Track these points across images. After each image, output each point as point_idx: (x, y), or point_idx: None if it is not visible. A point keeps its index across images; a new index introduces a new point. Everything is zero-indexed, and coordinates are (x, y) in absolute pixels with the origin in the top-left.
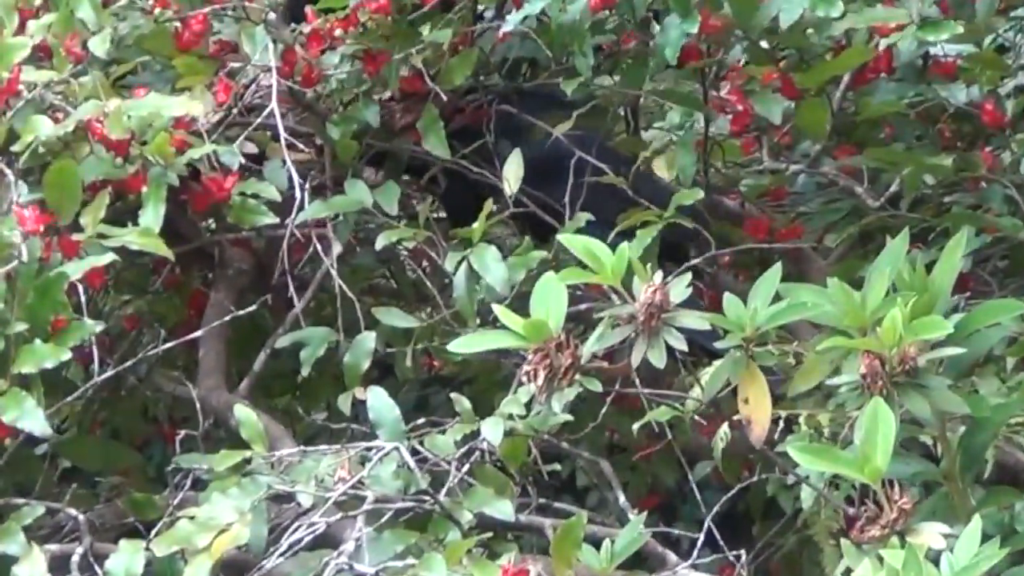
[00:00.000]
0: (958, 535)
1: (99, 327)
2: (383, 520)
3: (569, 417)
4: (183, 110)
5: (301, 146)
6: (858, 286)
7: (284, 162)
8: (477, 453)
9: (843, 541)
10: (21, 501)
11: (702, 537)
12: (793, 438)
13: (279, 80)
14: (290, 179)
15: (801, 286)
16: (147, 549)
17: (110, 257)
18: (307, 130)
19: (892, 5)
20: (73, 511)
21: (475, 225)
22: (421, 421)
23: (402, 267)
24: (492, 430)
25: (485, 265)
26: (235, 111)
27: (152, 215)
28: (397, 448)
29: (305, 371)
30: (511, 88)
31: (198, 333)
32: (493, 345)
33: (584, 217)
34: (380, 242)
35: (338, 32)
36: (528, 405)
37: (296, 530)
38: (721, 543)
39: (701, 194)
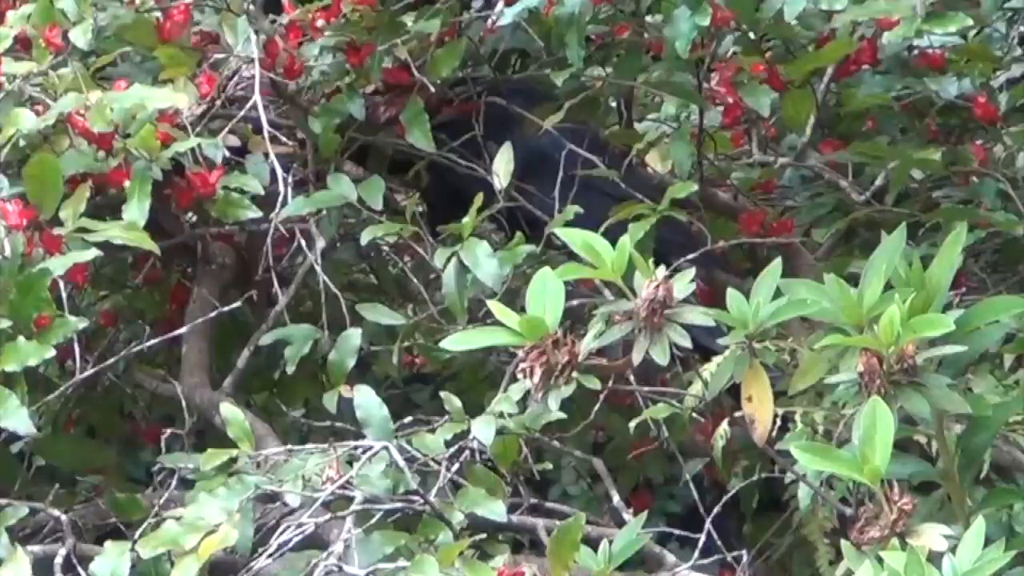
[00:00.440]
0: (957, 536)
1: (83, 324)
2: (372, 521)
3: (563, 415)
4: (168, 102)
5: (284, 139)
6: (849, 282)
7: (267, 156)
8: (467, 452)
9: (843, 542)
10: (3, 502)
11: (703, 539)
12: (791, 436)
13: (262, 72)
14: (273, 173)
15: (798, 282)
16: (133, 550)
17: (94, 253)
18: (289, 123)
19: None
20: (56, 512)
21: (465, 220)
22: (408, 420)
23: (384, 263)
24: (484, 429)
25: (476, 260)
26: (218, 103)
27: (137, 209)
28: (386, 448)
29: (290, 369)
30: (500, 80)
31: (183, 329)
32: (489, 342)
33: (572, 210)
34: (365, 237)
35: (320, 23)
36: (520, 403)
37: (284, 531)
38: (720, 545)
39: (695, 187)
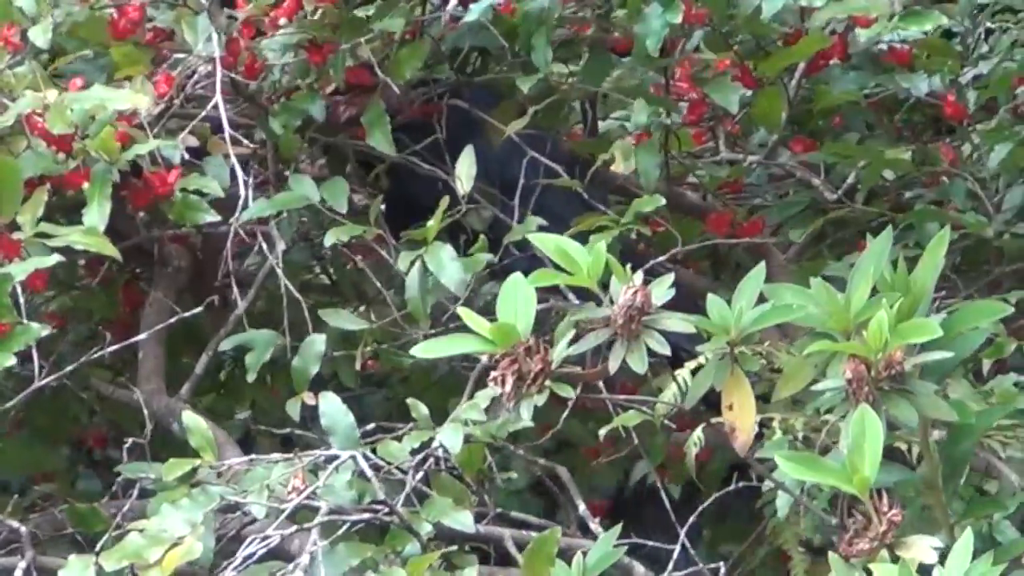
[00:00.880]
0: (942, 547)
1: (45, 331)
2: (339, 533)
3: (530, 423)
4: (129, 103)
5: (244, 140)
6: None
7: (227, 157)
8: (431, 460)
9: (830, 555)
10: None
11: (678, 549)
12: (771, 444)
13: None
14: (232, 174)
15: (781, 287)
16: (96, 564)
17: (56, 258)
18: (248, 122)
19: None
20: (14, 523)
21: (429, 223)
22: (371, 427)
23: (342, 264)
24: (451, 437)
25: (440, 264)
26: (176, 103)
27: (97, 213)
28: (354, 457)
29: (251, 376)
30: (463, 82)
31: (144, 335)
32: (459, 350)
33: (535, 221)
34: (329, 239)
35: (282, 20)
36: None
37: (250, 543)
38: (694, 555)
39: (662, 201)
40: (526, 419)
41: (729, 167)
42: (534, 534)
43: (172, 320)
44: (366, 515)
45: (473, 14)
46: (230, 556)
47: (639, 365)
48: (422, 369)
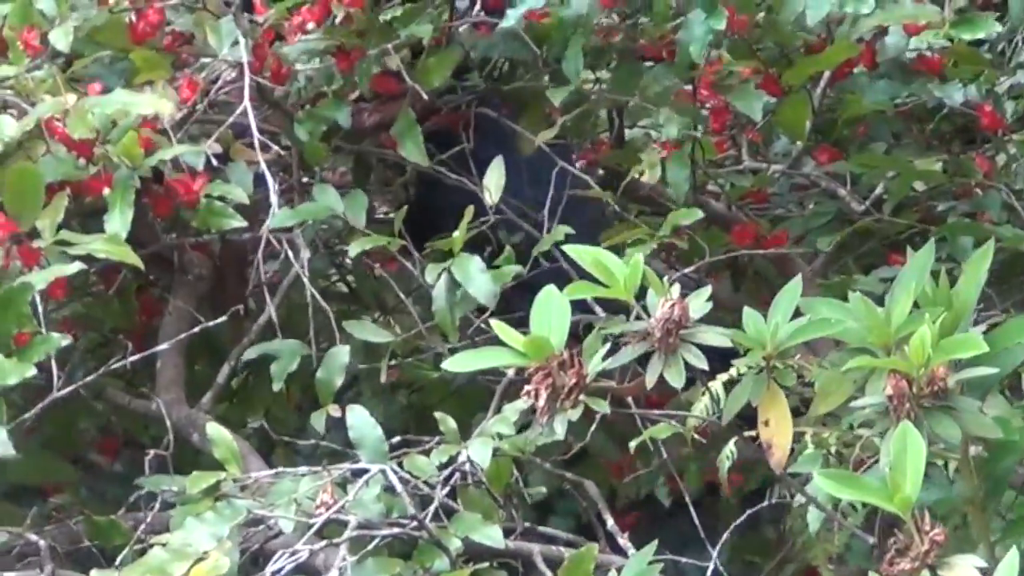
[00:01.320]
0: (985, 567)
1: (66, 341)
2: (368, 548)
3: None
4: (153, 108)
5: (274, 146)
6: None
7: (253, 163)
8: (458, 475)
9: (870, 575)
10: None
11: (711, 567)
12: (804, 459)
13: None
14: (257, 181)
15: (819, 301)
16: None
17: (77, 266)
18: (273, 128)
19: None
20: (34, 536)
21: (455, 234)
22: (396, 440)
23: (362, 273)
24: (480, 451)
25: (468, 276)
26: (200, 108)
27: (119, 220)
28: (383, 471)
29: (276, 386)
30: (491, 90)
31: (164, 346)
32: (491, 363)
33: (563, 231)
34: (353, 250)
35: (310, 25)
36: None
37: (278, 558)
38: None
39: (700, 214)
40: (560, 434)
41: (752, 176)
42: (563, 549)
43: (197, 330)
44: (395, 530)
45: (508, 21)
46: (253, 571)
47: (677, 380)
48: (440, 380)
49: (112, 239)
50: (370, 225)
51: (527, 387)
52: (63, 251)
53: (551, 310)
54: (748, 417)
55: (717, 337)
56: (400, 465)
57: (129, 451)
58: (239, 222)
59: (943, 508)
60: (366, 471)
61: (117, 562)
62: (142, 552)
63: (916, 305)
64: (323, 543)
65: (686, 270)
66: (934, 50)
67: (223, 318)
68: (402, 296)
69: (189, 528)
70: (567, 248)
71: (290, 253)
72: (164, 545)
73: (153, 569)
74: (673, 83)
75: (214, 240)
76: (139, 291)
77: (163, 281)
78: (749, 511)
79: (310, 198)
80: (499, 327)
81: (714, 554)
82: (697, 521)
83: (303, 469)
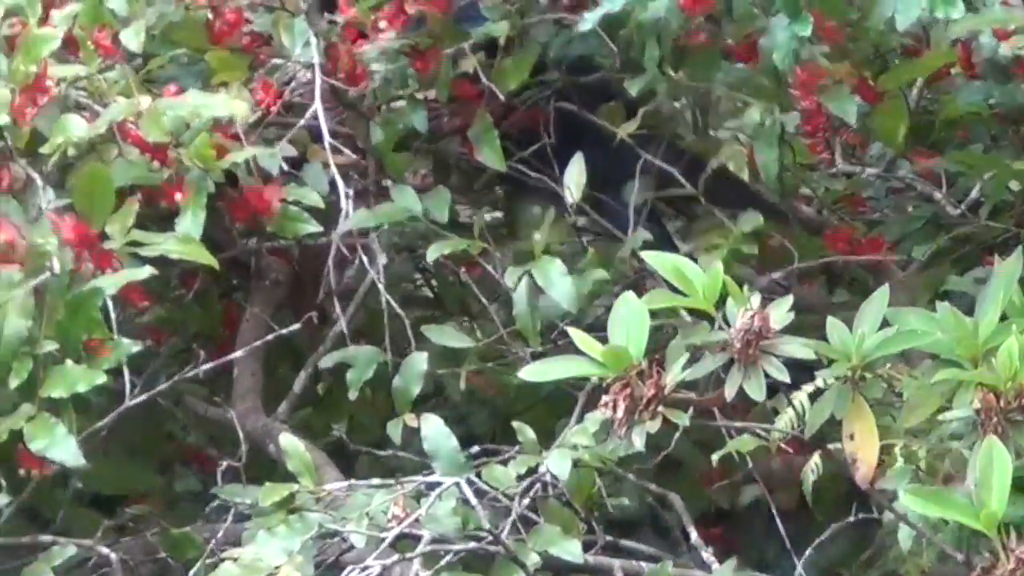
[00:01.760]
0: None
1: (136, 347)
2: (442, 563)
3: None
4: (227, 111)
5: (345, 150)
6: (943, 299)
7: (327, 166)
8: (539, 486)
9: None
10: (49, 539)
11: None
12: (893, 474)
13: (322, 78)
14: (332, 185)
15: (906, 310)
16: None
17: (148, 271)
18: (348, 131)
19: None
20: (105, 550)
21: (536, 236)
22: (476, 449)
23: (445, 277)
24: (559, 463)
25: (550, 280)
26: (274, 110)
27: (192, 222)
28: (458, 484)
29: (352, 394)
30: (569, 85)
31: (239, 353)
32: (568, 373)
33: (642, 236)
34: (432, 254)
35: (383, 25)
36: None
37: (350, 572)
38: None
39: (760, 220)
40: (638, 446)
41: (845, 180)
42: (644, 564)
43: (270, 337)
44: (471, 544)
45: (586, 24)
46: None
47: (757, 392)
48: (528, 386)
49: (185, 239)
50: (453, 228)
51: (604, 398)
52: (136, 254)
53: (630, 319)
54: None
55: (799, 349)
56: (479, 475)
57: (210, 460)
58: (314, 227)
59: None
60: (441, 484)
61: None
62: (215, 565)
63: (1004, 316)
64: (396, 557)
65: (774, 275)
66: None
67: (296, 326)
68: (484, 301)
69: (261, 542)
70: (645, 255)
71: (365, 259)
72: (235, 560)
73: None
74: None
75: (292, 245)
76: (222, 297)
77: (245, 287)
78: (835, 525)
79: (388, 201)
80: (577, 335)
81: (799, 566)
82: (784, 533)
83: (376, 481)
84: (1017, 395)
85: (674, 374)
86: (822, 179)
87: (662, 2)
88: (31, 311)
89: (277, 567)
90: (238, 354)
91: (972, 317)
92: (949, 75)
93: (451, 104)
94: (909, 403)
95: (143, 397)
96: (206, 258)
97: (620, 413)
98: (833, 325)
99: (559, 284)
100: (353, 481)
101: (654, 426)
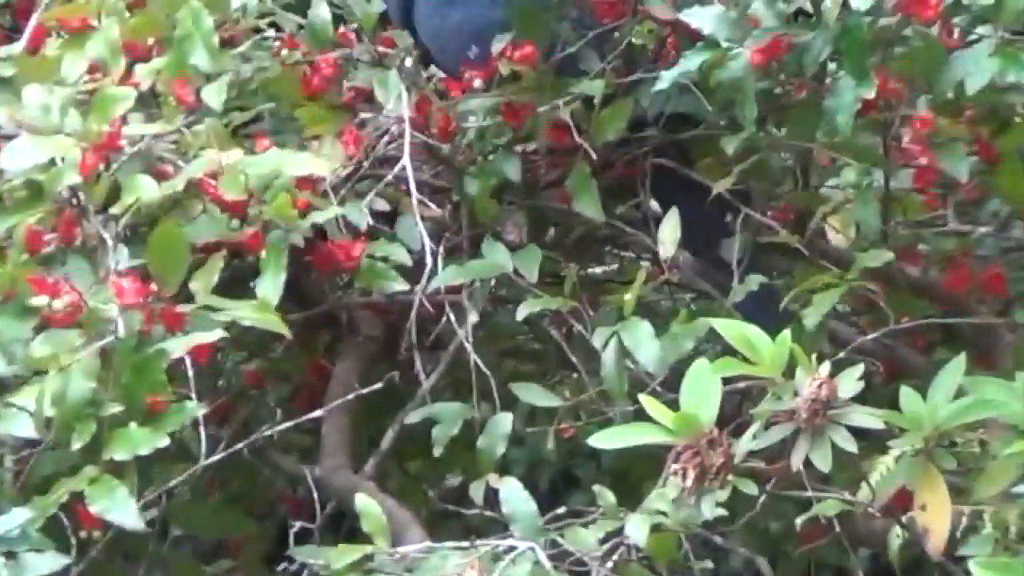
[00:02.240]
0: None
1: (202, 410)
2: None
3: (724, 512)
4: (307, 169)
5: (432, 205)
6: None
7: (428, 219)
8: (622, 548)
9: None
10: None
11: None
12: (977, 541)
13: (412, 132)
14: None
15: (986, 379)
16: None
17: (218, 334)
18: (443, 184)
19: None
20: None
21: (627, 296)
22: (562, 511)
23: (546, 331)
24: (637, 528)
25: (637, 341)
26: (366, 164)
27: (271, 284)
28: (532, 548)
29: (437, 451)
30: (667, 141)
31: (322, 411)
32: (637, 440)
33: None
34: (522, 312)
35: (476, 83)
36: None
37: None
38: None
39: (890, 255)
40: (707, 515)
41: (957, 238)
42: None
43: (351, 396)
44: None
45: (664, 82)
46: None
47: (823, 463)
48: None
49: (261, 306)
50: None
51: (674, 466)
52: (209, 316)
53: (701, 386)
54: None
55: (868, 419)
56: (561, 536)
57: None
58: (401, 284)
59: None
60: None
61: None
62: None
63: None
64: None
65: (871, 335)
66: None
67: (378, 385)
68: (574, 359)
69: None
70: (714, 322)
71: (452, 316)
72: None
73: None
74: (866, 139)
75: (384, 300)
76: (327, 349)
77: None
78: None
79: (479, 257)
80: (649, 402)
81: None
82: None
83: (454, 544)
84: None
85: (743, 443)
86: (931, 238)
87: (739, 62)
88: (95, 373)
89: None
90: (320, 412)
91: None
92: None
93: (548, 156)
94: (983, 475)
95: (224, 453)
96: (279, 327)
97: (690, 481)
98: (906, 394)
99: (646, 347)
100: (429, 544)
101: (724, 495)
